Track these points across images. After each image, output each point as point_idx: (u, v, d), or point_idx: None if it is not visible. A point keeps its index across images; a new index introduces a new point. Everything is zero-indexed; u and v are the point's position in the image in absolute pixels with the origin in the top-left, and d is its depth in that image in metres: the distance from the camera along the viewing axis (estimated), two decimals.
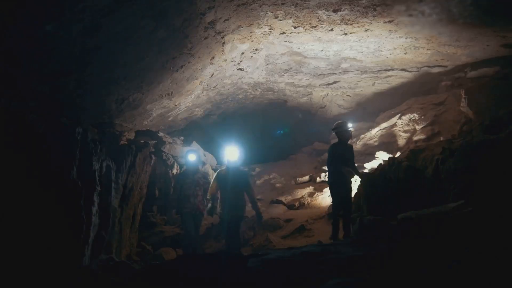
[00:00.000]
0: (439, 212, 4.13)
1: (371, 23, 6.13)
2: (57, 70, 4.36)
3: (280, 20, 6.12)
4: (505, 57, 7.72)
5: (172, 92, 7.17)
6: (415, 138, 9.97)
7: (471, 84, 8.45)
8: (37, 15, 3.54)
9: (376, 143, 11.21)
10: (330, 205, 7.59)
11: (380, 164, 6.91)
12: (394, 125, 10.81)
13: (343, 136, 5.90)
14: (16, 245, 4.10)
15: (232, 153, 5.98)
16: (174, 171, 9.25)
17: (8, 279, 3.90)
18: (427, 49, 7.55)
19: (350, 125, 6.29)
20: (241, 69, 8.61)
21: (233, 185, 5.74)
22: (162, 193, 9.03)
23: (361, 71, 9.44)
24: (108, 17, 4.02)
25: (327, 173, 6.79)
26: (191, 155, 6.63)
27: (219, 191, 5.98)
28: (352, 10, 5.68)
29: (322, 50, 7.83)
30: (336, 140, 6.12)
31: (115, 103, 5.95)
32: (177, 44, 5.54)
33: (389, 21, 6.06)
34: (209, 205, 5.98)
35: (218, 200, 6.04)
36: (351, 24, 6.19)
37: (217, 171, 6.09)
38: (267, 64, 8.98)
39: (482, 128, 6.29)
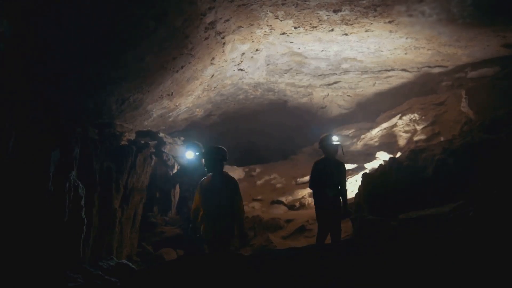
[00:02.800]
0: (440, 213, 4.14)
1: (372, 23, 6.13)
2: (57, 70, 4.36)
3: (281, 21, 6.12)
4: (506, 57, 7.72)
5: (172, 93, 7.17)
6: (415, 138, 9.98)
7: (472, 84, 8.45)
8: (38, 16, 3.55)
9: (376, 143, 11.22)
10: None
11: (380, 165, 6.91)
12: (395, 125, 10.82)
13: (328, 151, 5.46)
14: (16, 246, 4.11)
15: (213, 155, 4.60)
16: (175, 171, 9.25)
17: (8, 279, 3.90)
18: (428, 49, 7.55)
19: (335, 138, 5.46)
20: (241, 70, 8.61)
21: (219, 198, 4.46)
22: (162, 193, 9.05)
23: (362, 72, 9.44)
24: (109, 17, 4.02)
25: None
26: (189, 152, 5.56)
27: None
28: (353, 11, 5.68)
29: (322, 51, 7.83)
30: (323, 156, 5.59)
31: (116, 104, 5.95)
32: (178, 44, 5.54)
33: (390, 22, 6.06)
34: (191, 225, 4.64)
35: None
36: (351, 24, 6.19)
37: (201, 180, 4.73)
38: (268, 65, 8.98)
39: (483, 128, 6.30)
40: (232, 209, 4.48)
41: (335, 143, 5.46)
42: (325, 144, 5.48)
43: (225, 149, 4.70)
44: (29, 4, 3.39)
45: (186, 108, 9.08)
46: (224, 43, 6.62)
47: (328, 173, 5.37)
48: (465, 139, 5.68)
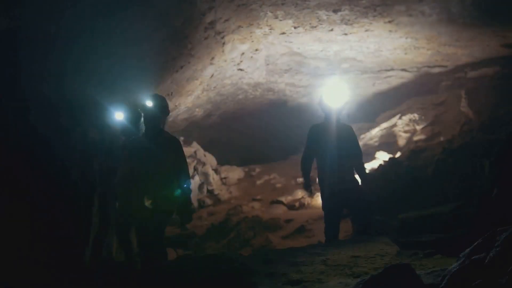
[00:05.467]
0: (440, 213, 4.14)
1: (371, 23, 6.13)
2: (57, 70, 4.36)
3: (280, 21, 6.12)
4: (505, 57, 7.73)
5: (172, 93, 7.17)
6: (415, 138, 9.97)
7: (471, 84, 8.45)
8: (39, 16, 3.54)
9: (376, 143, 11.21)
10: None
11: (380, 165, 6.91)
12: (394, 125, 10.81)
13: (329, 110, 3.90)
14: (16, 246, 4.10)
15: (152, 102, 3.55)
16: None
17: (6, 279, 3.89)
18: (427, 49, 7.55)
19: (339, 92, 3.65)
20: (241, 70, 8.61)
21: (154, 160, 3.49)
22: None
23: (361, 71, 9.44)
24: (110, 18, 4.02)
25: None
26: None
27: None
28: (352, 10, 5.68)
29: (322, 51, 7.83)
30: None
31: (115, 103, 5.95)
32: (177, 44, 5.55)
33: (389, 21, 6.07)
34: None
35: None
36: (351, 24, 6.19)
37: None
38: (267, 64, 8.98)
39: (482, 128, 6.30)
40: (174, 178, 3.48)
41: (337, 103, 3.75)
42: (322, 100, 3.95)
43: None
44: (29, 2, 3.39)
45: (185, 108, 9.07)
46: (223, 43, 6.61)
47: (328, 140, 3.90)
48: (465, 139, 5.69)
